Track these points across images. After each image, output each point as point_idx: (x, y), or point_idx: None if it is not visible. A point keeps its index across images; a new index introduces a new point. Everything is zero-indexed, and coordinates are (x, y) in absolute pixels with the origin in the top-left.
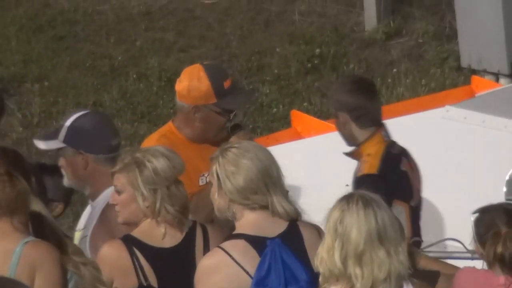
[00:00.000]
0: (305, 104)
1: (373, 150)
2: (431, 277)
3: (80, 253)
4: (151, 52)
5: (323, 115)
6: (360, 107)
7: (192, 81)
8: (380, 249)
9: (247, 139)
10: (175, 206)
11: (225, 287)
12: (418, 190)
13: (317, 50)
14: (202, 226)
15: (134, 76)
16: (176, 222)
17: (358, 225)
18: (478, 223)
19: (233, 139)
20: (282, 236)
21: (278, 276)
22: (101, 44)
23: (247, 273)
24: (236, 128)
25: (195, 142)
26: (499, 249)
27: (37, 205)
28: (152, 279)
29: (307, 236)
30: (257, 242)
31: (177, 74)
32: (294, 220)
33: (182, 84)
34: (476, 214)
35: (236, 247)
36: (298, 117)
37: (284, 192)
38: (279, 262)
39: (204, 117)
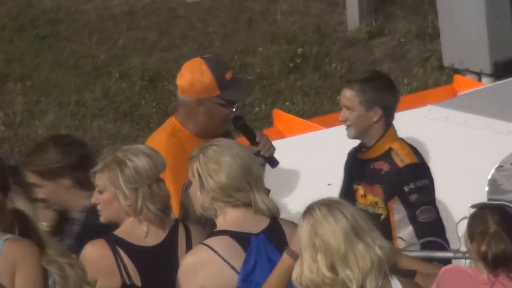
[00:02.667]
0: (287, 103)
1: (395, 144)
2: (407, 276)
3: (65, 254)
4: (133, 51)
5: (305, 114)
6: (394, 105)
7: (194, 75)
8: (359, 243)
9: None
10: (157, 205)
11: (210, 283)
12: None
13: (300, 50)
14: (185, 225)
15: (117, 75)
16: (158, 221)
17: (332, 231)
18: (472, 218)
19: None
20: (265, 232)
21: (263, 272)
22: (83, 43)
23: (233, 268)
24: (238, 120)
25: (199, 137)
26: (483, 247)
27: (22, 204)
28: (136, 278)
29: (288, 232)
30: (241, 238)
31: (159, 73)
32: (275, 217)
33: (184, 79)
34: (474, 209)
35: (221, 243)
36: (280, 116)
37: (264, 189)
38: (264, 258)
39: (207, 110)
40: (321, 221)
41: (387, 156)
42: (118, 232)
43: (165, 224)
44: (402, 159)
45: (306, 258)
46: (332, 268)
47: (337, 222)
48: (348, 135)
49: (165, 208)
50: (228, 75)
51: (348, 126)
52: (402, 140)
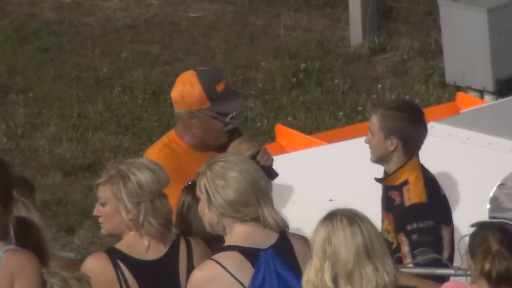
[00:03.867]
0: (289, 118)
1: (412, 177)
2: None
3: (70, 268)
4: (136, 64)
5: (307, 129)
6: (414, 137)
7: (185, 87)
8: (368, 265)
9: (249, 145)
10: (159, 220)
11: None
12: (451, 219)
13: (302, 65)
14: (186, 239)
15: (119, 88)
16: (159, 235)
17: (346, 244)
18: (472, 237)
19: (233, 144)
20: (274, 247)
21: (272, 287)
22: (86, 56)
23: (242, 284)
24: (234, 132)
25: (197, 150)
26: (487, 265)
27: (27, 213)
28: None
29: (297, 246)
30: (250, 254)
31: (161, 87)
32: (284, 231)
33: (176, 91)
34: (474, 228)
35: (230, 259)
36: (282, 131)
37: (272, 203)
38: (273, 273)
39: (200, 122)
40: (338, 231)
41: (401, 188)
42: (119, 246)
43: (167, 239)
44: (410, 197)
45: (315, 262)
46: (335, 281)
47: (353, 237)
48: (370, 159)
49: (167, 223)
50: (220, 87)
51: (370, 150)
52: (422, 172)
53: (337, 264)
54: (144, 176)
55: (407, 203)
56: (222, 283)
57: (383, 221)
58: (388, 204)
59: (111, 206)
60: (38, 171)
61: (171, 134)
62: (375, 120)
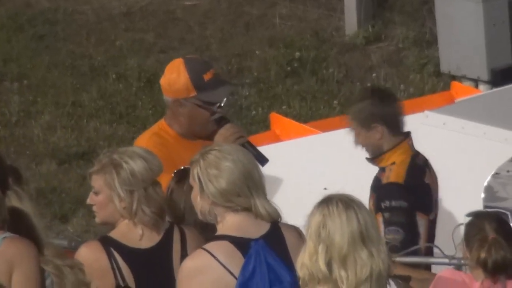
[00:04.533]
0: (284, 107)
1: (399, 159)
2: (401, 281)
3: (63, 256)
4: (130, 52)
5: (302, 118)
6: (395, 115)
7: (172, 75)
8: (363, 250)
9: (235, 132)
10: (152, 208)
11: None
12: (437, 203)
13: (297, 54)
14: (180, 228)
15: (114, 76)
16: (152, 224)
17: (341, 229)
18: (468, 226)
19: (221, 131)
20: (265, 237)
21: (262, 278)
22: (81, 44)
23: (232, 274)
24: (221, 120)
25: (186, 138)
26: (483, 254)
27: (19, 202)
28: (130, 280)
29: (288, 237)
30: (241, 244)
31: (156, 75)
32: (276, 222)
33: (164, 78)
34: (469, 217)
35: (221, 248)
36: (277, 120)
37: (265, 194)
38: (263, 264)
39: (187, 111)
40: (333, 216)
41: (386, 170)
42: (113, 234)
43: (160, 227)
44: (389, 176)
45: (309, 245)
46: (329, 265)
47: (349, 222)
48: (369, 155)
49: (160, 211)
50: (207, 76)
51: (364, 149)
52: (412, 157)
53: (332, 248)
54: (136, 165)
55: (385, 181)
56: (212, 273)
57: (369, 202)
58: (374, 184)
59: (105, 195)
60: (33, 159)
61: (161, 122)
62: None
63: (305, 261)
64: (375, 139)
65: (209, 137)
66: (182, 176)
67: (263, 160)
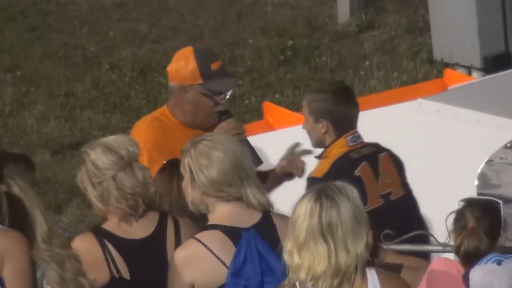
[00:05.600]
0: (277, 96)
1: (331, 154)
2: (392, 270)
3: (65, 247)
4: (124, 43)
5: (295, 107)
6: (345, 116)
7: (180, 62)
8: (320, 245)
9: (235, 127)
10: (125, 195)
11: (201, 278)
12: (375, 196)
13: (290, 42)
14: (174, 218)
15: (107, 66)
16: (129, 213)
17: (302, 218)
18: (456, 213)
19: (221, 124)
20: (256, 226)
21: (254, 267)
22: (74, 34)
23: (224, 264)
24: (224, 114)
25: (188, 127)
26: (458, 241)
27: (19, 191)
28: (124, 271)
29: (280, 226)
30: (232, 233)
31: (149, 65)
32: (267, 211)
33: (172, 65)
34: (463, 203)
35: (212, 238)
36: (270, 108)
37: (257, 183)
38: (255, 253)
39: (191, 98)
40: (302, 203)
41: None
42: (106, 226)
43: (152, 216)
44: (313, 170)
45: (288, 232)
46: (290, 253)
47: (311, 215)
48: (311, 145)
49: (136, 196)
50: (214, 66)
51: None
52: (346, 151)
53: (293, 233)
54: (97, 154)
55: (308, 176)
56: (204, 262)
57: None
58: None
59: (86, 191)
60: (26, 149)
61: (163, 109)
62: (305, 106)
63: (286, 243)
64: (319, 133)
65: (210, 129)
66: (173, 166)
67: (257, 161)
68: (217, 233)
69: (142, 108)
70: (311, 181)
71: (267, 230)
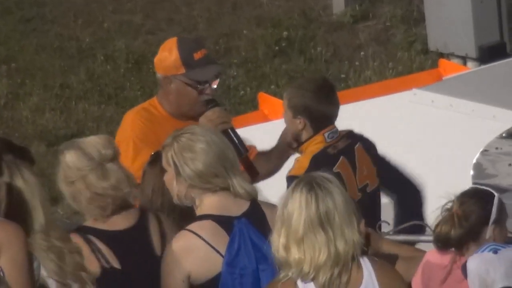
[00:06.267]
0: (272, 87)
1: (309, 150)
2: (387, 260)
3: (66, 239)
4: (118, 34)
5: None
6: (322, 114)
7: (164, 52)
8: (320, 234)
9: (221, 116)
10: (95, 196)
11: (197, 269)
12: (354, 192)
13: (285, 33)
14: (155, 213)
15: (102, 58)
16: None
17: (298, 211)
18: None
19: (207, 113)
20: (246, 215)
21: (248, 256)
22: (68, 26)
23: (218, 252)
24: (211, 102)
25: (176, 118)
26: (438, 227)
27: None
28: (114, 261)
29: (269, 214)
30: (224, 222)
31: (144, 56)
32: (255, 199)
33: (157, 56)
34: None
35: (205, 228)
36: (265, 99)
37: (240, 173)
38: (248, 241)
39: (176, 88)
40: (294, 196)
41: (294, 161)
42: (87, 223)
43: (130, 209)
44: (292, 168)
45: (276, 226)
46: (286, 247)
47: (307, 205)
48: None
49: (107, 197)
50: (198, 55)
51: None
52: (324, 147)
53: (289, 229)
54: (69, 155)
55: (288, 174)
56: (199, 253)
57: None
58: None
59: (61, 189)
60: (21, 141)
61: (153, 100)
62: (284, 99)
63: (274, 241)
64: (296, 128)
65: (197, 119)
66: (159, 158)
67: (243, 149)
68: (208, 223)
69: (137, 100)
70: (292, 179)
71: (257, 218)
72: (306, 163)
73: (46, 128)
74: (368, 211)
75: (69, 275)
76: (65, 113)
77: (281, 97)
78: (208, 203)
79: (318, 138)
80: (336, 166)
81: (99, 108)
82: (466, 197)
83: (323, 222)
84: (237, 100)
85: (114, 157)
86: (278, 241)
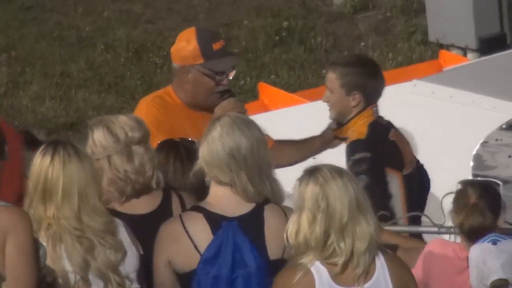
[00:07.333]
0: (272, 76)
1: (361, 122)
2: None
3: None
4: (118, 23)
5: (290, 87)
6: (376, 90)
7: (182, 42)
8: (360, 218)
9: (236, 107)
10: (116, 179)
11: (176, 258)
12: (411, 161)
13: (285, 23)
14: (177, 193)
15: (102, 47)
16: (138, 189)
17: (340, 196)
18: (456, 193)
19: (222, 103)
20: (242, 218)
21: (226, 261)
22: (68, 14)
23: (196, 248)
24: (226, 93)
25: (190, 108)
26: (461, 218)
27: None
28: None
29: (270, 221)
30: (214, 220)
31: (144, 45)
32: (262, 204)
33: (174, 46)
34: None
35: (193, 220)
36: (265, 89)
37: (254, 174)
38: (230, 244)
39: (193, 78)
40: (330, 184)
41: (349, 134)
42: (111, 205)
43: (156, 193)
44: (351, 137)
45: (307, 215)
46: (326, 233)
47: (346, 189)
48: (329, 116)
49: (127, 181)
50: (216, 46)
51: (330, 108)
52: (374, 119)
53: (332, 217)
54: (97, 132)
55: (347, 143)
56: (180, 245)
57: None
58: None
59: None
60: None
61: (168, 88)
62: (333, 78)
63: (303, 230)
64: (348, 105)
65: (212, 109)
66: (168, 147)
67: None
68: (199, 217)
69: (137, 89)
70: (356, 142)
71: (253, 223)
72: (364, 129)
73: (46, 116)
74: (417, 184)
75: (95, 271)
76: (65, 102)
77: (281, 87)
78: (212, 193)
79: (367, 112)
80: (390, 134)
81: (99, 97)
82: (480, 188)
83: (360, 204)
84: (237, 90)
85: (141, 140)
86: (313, 224)
